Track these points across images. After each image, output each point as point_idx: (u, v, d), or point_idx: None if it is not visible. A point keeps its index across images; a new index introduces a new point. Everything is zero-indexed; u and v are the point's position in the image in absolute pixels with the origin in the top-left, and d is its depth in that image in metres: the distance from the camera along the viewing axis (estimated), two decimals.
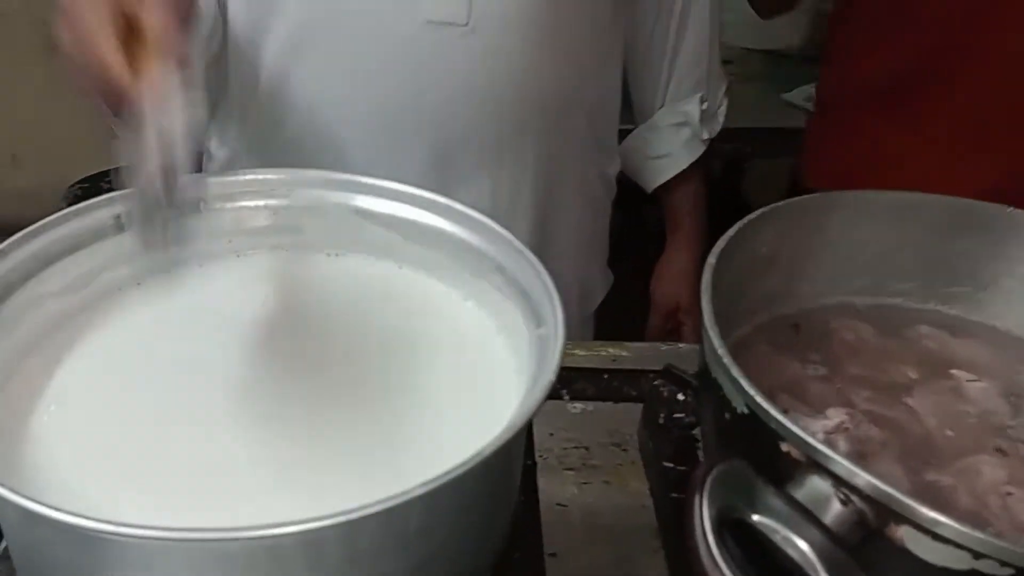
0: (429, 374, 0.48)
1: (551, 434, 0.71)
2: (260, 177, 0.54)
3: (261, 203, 0.53)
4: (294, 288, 0.53)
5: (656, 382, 0.64)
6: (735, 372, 0.43)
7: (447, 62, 0.76)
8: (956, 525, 0.36)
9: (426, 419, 0.46)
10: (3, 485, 0.34)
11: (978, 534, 0.35)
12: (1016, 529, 0.47)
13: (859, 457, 0.51)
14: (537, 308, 0.47)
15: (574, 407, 0.73)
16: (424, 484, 0.35)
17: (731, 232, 0.52)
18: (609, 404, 0.73)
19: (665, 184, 1.02)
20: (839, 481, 0.38)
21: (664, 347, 0.84)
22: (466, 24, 0.74)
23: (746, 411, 0.42)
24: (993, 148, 0.95)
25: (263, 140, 0.84)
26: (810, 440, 0.39)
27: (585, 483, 0.66)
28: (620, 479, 0.66)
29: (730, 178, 2.18)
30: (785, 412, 0.52)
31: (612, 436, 0.70)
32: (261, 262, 0.54)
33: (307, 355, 0.49)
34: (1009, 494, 0.48)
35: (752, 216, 0.55)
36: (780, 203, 0.57)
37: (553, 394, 0.73)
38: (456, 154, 0.79)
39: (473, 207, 0.82)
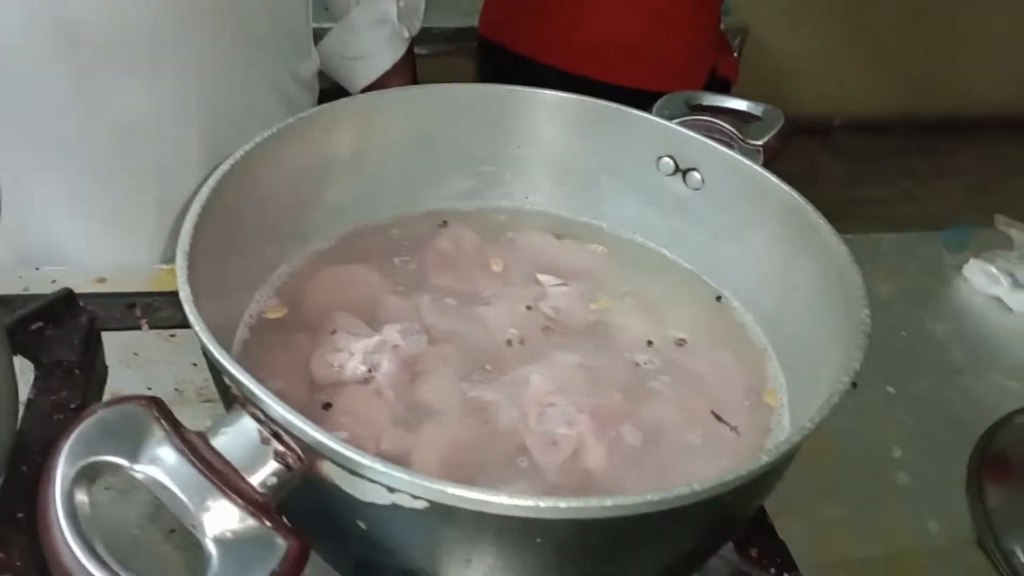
0: None
1: (194, 364, 0.66)
2: None
3: None
4: None
5: None
6: (183, 295, 0.38)
7: None
8: (362, 459, 0.32)
9: None
10: None
11: (380, 466, 0.32)
12: (545, 443, 0.44)
13: (411, 375, 0.48)
14: None
15: None
16: None
17: (255, 141, 0.46)
18: None
19: (370, 86, 0.96)
20: (263, 418, 0.34)
21: None
22: None
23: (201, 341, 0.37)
24: None
25: None
26: (232, 369, 0.34)
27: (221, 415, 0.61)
28: None
29: None
30: (333, 332, 0.49)
31: None
32: None
33: None
34: (551, 404, 0.46)
35: (302, 116, 0.50)
36: (339, 102, 0.51)
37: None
38: (96, 56, 0.69)
39: (129, 118, 0.74)
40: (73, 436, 0.31)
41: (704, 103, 0.57)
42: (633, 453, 0.45)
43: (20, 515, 0.43)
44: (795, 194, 0.50)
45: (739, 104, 0.56)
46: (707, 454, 0.44)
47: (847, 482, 0.63)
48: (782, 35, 1.97)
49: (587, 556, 0.35)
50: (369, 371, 0.46)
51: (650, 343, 0.51)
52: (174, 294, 0.67)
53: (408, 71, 0.98)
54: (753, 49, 1.66)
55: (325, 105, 0.50)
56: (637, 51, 1.09)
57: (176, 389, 0.64)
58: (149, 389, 0.63)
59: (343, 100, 0.51)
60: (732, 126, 0.55)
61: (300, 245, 0.53)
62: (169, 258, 0.81)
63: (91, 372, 0.52)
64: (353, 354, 0.46)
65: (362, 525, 0.35)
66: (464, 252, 0.56)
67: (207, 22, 0.73)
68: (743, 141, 0.54)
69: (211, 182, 0.43)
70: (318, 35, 0.93)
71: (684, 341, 0.52)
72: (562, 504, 0.31)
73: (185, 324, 0.65)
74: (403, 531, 0.35)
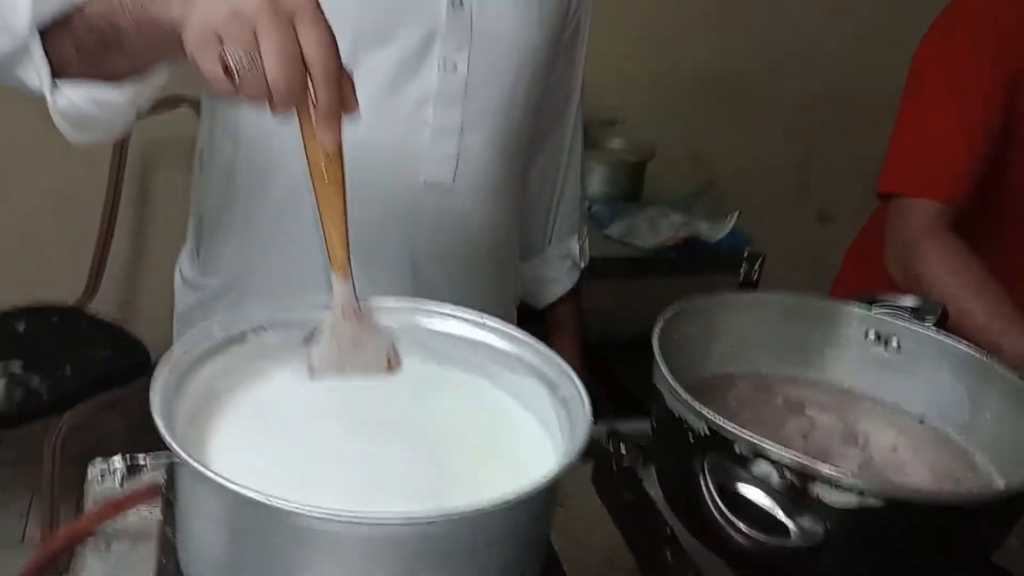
0: (474, 443, 0.69)
1: None
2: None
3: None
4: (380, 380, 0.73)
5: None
6: (697, 405, 0.66)
7: (434, 211, 0.98)
8: (846, 476, 0.60)
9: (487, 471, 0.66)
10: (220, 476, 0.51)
11: (858, 481, 0.60)
12: None
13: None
14: (564, 397, 0.68)
15: None
16: (500, 500, 0.54)
17: (666, 314, 0.77)
18: None
19: (553, 302, 1.28)
20: (773, 462, 0.62)
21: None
22: (452, 183, 0.97)
23: (707, 431, 0.65)
24: None
25: (259, 269, 1.01)
26: (756, 440, 0.62)
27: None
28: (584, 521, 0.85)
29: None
30: None
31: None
32: None
33: (395, 424, 0.68)
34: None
35: (691, 301, 0.81)
36: (683, 302, 0.82)
37: None
38: (431, 277, 1.00)
39: None
40: (706, 470, 0.58)
41: (880, 298, 0.90)
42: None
43: None
44: (970, 347, 0.82)
45: (907, 300, 0.89)
46: None
47: None
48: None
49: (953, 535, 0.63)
50: None
51: (894, 447, 0.81)
52: None
53: (578, 290, 1.31)
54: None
55: (712, 296, 0.81)
56: None
57: None
58: None
59: (727, 294, 0.83)
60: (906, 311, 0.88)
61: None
62: None
63: None
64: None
65: (821, 525, 0.62)
66: (749, 398, 0.86)
67: (491, 257, 1.07)
68: (919, 320, 0.86)
69: (658, 331, 0.73)
70: None
71: (896, 447, 0.82)
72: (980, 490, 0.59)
73: None
74: (857, 524, 0.62)
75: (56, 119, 0.78)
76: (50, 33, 0.74)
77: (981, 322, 1.05)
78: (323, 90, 0.62)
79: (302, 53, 0.61)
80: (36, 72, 0.75)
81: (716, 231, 2.09)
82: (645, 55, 2.48)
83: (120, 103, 0.77)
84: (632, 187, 2.25)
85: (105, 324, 2.21)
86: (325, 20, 0.63)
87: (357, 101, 0.65)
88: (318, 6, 0.63)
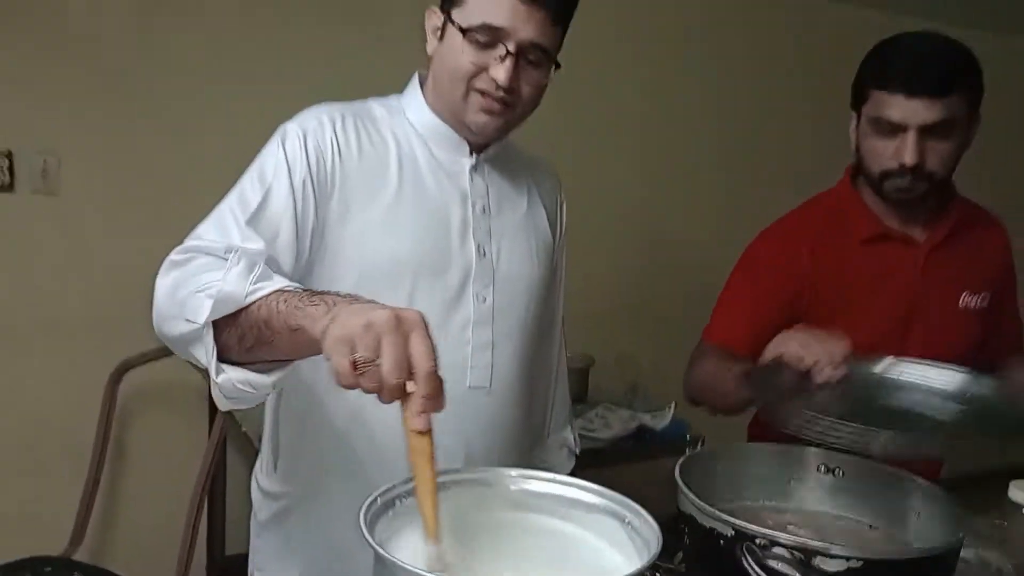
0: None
1: None
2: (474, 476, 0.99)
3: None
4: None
5: None
6: (724, 516, 0.94)
7: (478, 409, 1.26)
8: (837, 548, 0.89)
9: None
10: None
11: (842, 550, 0.88)
12: None
13: None
14: (631, 523, 0.94)
15: None
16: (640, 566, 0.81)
17: (680, 461, 1.06)
18: None
19: None
20: (785, 547, 0.90)
21: None
22: (489, 387, 1.26)
23: (733, 532, 0.93)
24: None
25: (341, 467, 1.24)
26: (771, 532, 0.91)
27: None
28: None
29: None
30: None
31: None
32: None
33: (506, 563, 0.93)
34: None
35: (682, 458, 1.10)
36: (689, 454, 1.12)
37: None
38: (477, 457, 1.26)
39: None
40: (748, 553, 0.86)
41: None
42: None
43: None
44: (893, 467, 1.13)
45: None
46: None
47: None
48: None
49: None
50: None
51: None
52: None
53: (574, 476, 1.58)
54: None
55: (709, 448, 1.10)
56: None
57: None
58: None
59: (721, 446, 1.12)
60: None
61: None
62: None
63: None
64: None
65: None
66: None
67: (515, 438, 1.34)
68: (858, 453, 1.18)
69: (679, 469, 1.02)
70: None
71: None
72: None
73: None
74: None
75: (214, 390, 1.03)
76: (220, 326, 1.00)
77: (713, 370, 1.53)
78: (421, 386, 0.81)
79: (410, 360, 0.81)
80: (206, 353, 1.00)
81: (659, 421, 2.41)
82: (576, 266, 2.89)
83: (264, 385, 1.01)
84: (580, 390, 2.57)
85: (98, 570, 2.30)
86: (431, 337, 0.83)
87: (445, 401, 0.83)
88: (427, 326, 0.84)
